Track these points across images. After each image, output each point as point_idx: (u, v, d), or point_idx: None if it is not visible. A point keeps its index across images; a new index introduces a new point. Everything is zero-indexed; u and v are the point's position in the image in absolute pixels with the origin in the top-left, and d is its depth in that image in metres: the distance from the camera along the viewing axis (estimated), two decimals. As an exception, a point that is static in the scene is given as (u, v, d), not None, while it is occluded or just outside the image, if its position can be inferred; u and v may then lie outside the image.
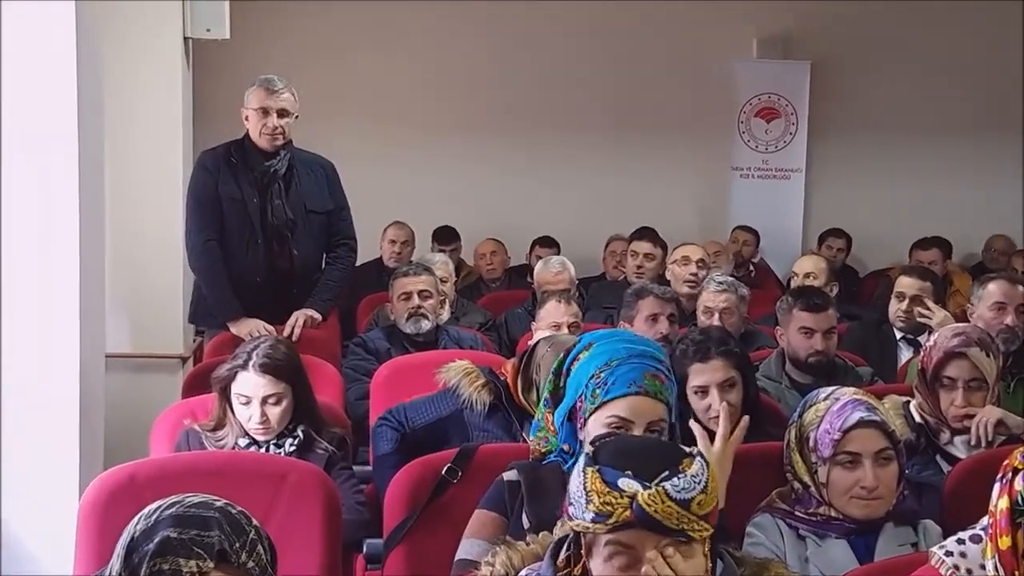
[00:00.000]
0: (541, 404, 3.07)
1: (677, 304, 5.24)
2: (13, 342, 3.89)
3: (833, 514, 3.04)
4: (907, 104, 9.51)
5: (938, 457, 3.71)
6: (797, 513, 3.08)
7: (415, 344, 5.32)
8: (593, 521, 2.08)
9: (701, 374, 3.74)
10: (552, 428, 2.97)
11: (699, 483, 2.09)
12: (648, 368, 2.82)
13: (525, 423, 3.71)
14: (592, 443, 2.32)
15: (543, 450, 2.98)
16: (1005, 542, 2.24)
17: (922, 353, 3.91)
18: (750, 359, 4.08)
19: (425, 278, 5.44)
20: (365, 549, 3.56)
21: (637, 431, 2.75)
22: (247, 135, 5.33)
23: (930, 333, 4.71)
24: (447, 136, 9.16)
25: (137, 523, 2.10)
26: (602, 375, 2.81)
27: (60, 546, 3.53)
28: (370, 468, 4.19)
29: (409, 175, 9.07)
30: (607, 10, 9.17)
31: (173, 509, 2.09)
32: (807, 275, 6.48)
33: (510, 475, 2.91)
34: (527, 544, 2.39)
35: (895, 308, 5.65)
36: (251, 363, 3.74)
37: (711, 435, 3.69)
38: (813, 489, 3.07)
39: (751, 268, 8.69)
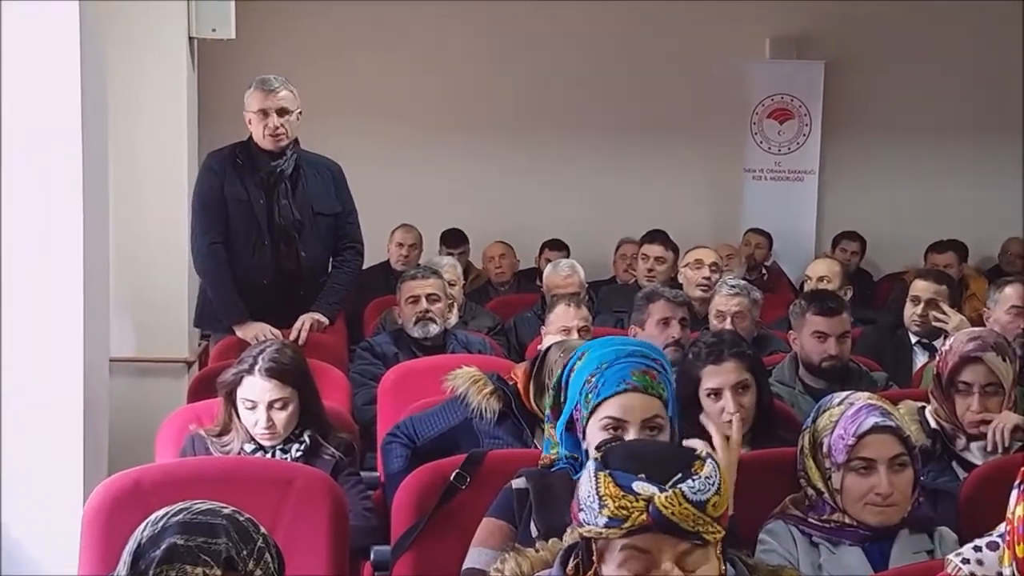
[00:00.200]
0: (546, 420, 3.06)
1: (689, 308, 5.21)
2: (17, 346, 3.90)
3: (847, 521, 3.00)
4: (923, 105, 9.48)
5: (954, 463, 3.67)
6: (810, 520, 3.05)
7: (423, 348, 5.29)
8: (607, 526, 2.04)
9: (714, 376, 3.72)
10: (557, 442, 2.96)
11: (712, 484, 2.06)
12: (637, 365, 2.80)
13: (536, 429, 3.71)
14: (598, 448, 2.29)
15: (552, 458, 2.95)
16: (1023, 549, 2.20)
17: (937, 358, 3.87)
18: (763, 363, 4.05)
19: (433, 281, 5.41)
20: (373, 556, 3.53)
21: (633, 429, 2.75)
22: (252, 137, 5.30)
23: (945, 337, 4.66)
24: (456, 138, 9.15)
25: (144, 529, 2.09)
26: (593, 379, 2.81)
27: (64, 552, 3.53)
28: (377, 474, 4.17)
29: (416, 177, 9.08)
30: (619, 9, 9.16)
31: (180, 516, 2.08)
32: (821, 278, 6.44)
33: (518, 483, 2.89)
34: (536, 551, 2.36)
35: (910, 312, 5.62)
36: (257, 367, 3.72)
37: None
38: (827, 495, 3.04)
39: (764, 271, 8.67)
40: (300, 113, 5.29)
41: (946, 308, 5.51)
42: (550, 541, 2.39)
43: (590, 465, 2.12)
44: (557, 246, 8.44)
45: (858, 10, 9.37)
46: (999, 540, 2.34)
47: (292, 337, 5.11)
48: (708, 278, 6.12)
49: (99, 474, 3.94)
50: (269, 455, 3.71)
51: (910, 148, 9.57)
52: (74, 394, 3.94)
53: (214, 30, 6.32)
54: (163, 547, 2.02)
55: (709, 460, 2.11)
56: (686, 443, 2.96)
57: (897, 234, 9.28)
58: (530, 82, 9.25)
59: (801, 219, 9.48)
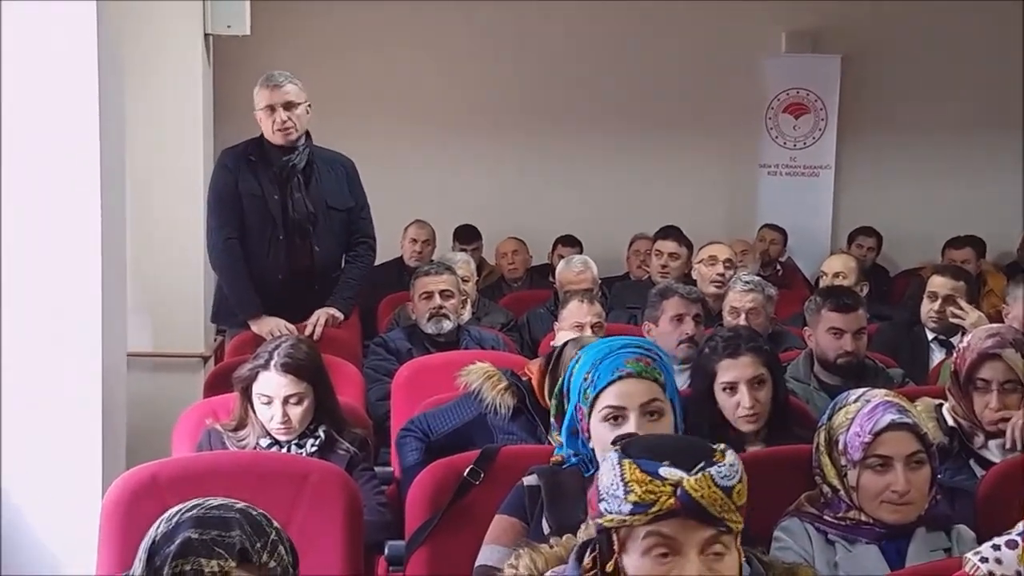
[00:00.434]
0: (551, 428, 3.08)
1: (703, 304, 5.20)
2: (35, 342, 3.89)
3: (863, 518, 2.99)
4: (940, 99, 9.44)
5: (971, 461, 3.64)
6: (826, 517, 3.04)
7: (436, 344, 5.30)
8: (632, 512, 2.04)
9: (730, 370, 3.73)
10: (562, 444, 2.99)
11: (737, 472, 2.07)
12: (630, 354, 2.84)
13: (550, 425, 3.69)
14: (614, 442, 2.29)
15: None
16: (1042, 548, 2.20)
17: (955, 355, 3.84)
18: (779, 359, 4.05)
19: (447, 277, 5.41)
20: (387, 551, 3.54)
21: (633, 415, 2.77)
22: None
23: (963, 334, 4.65)
24: (469, 134, 9.15)
25: (158, 526, 2.10)
26: (589, 376, 2.84)
27: (82, 545, 3.54)
28: (391, 469, 4.17)
29: (430, 173, 9.09)
30: (633, 4, 9.15)
31: (194, 511, 2.09)
32: (836, 274, 6.42)
33: (530, 480, 2.90)
34: (550, 547, 2.36)
35: (927, 308, 5.60)
36: (272, 363, 3.73)
37: (739, 433, 3.69)
38: (843, 493, 3.02)
39: (778, 267, 8.64)
40: (309, 106, 5.29)
41: (963, 304, 5.48)
42: (564, 537, 2.39)
43: (611, 456, 2.12)
44: (570, 242, 8.43)
45: (874, 4, 9.35)
46: (1018, 539, 2.34)
47: (307, 332, 5.12)
48: (722, 274, 6.11)
49: (117, 468, 3.94)
50: (284, 450, 3.72)
51: (927, 143, 9.54)
52: (92, 389, 3.94)
53: (229, 26, 6.34)
54: (177, 541, 2.03)
55: (730, 451, 2.12)
56: None
57: (914, 229, 9.25)
58: (544, 78, 9.24)
59: (816, 215, 9.46)
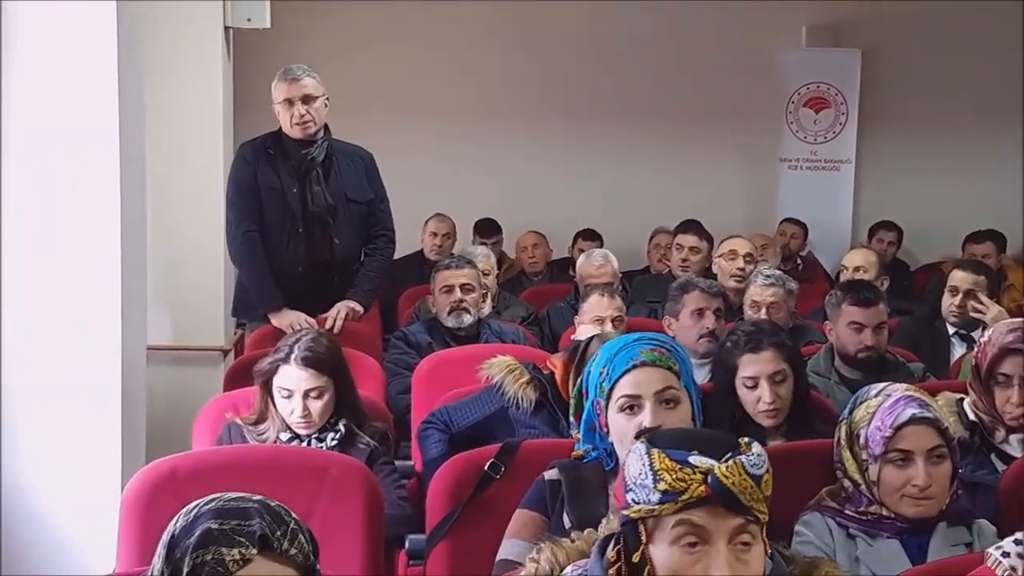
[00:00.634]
0: (571, 426, 3.08)
1: (724, 298, 5.19)
2: (56, 335, 3.91)
3: (884, 513, 2.98)
4: (961, 93, 9.39)
5: (992, 456, 3.63)
6: (847, 512, 3.03)
7: (456, 338, 5.29)
8: (661, 501, 2.03)
9: (752, 365, 3.72)
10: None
11: (764, 461, 2.07)
12: (643, 344, 2.87)
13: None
14: (637, 436, 2.29)
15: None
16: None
17: (976, 349, 3.83)
18: (801, 354, 4.03)
19: (467, 271, 5.40)
20: (407, 545, 3.54)
21: (648, 403, 2.80)
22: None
23: (984, 328, 4.63)
24: (489, 128, 9.14)
25: (177, 521, 2.09)
26: (604, 369, 2.87)
27: (103, 538, 3.56)
28: (411, 463, 4.17)
29: (450, 167, 9.08)
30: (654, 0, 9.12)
31: (213, 504, 2.09)
32: (857, 269, 6.39)
33: (551, 474, 2.90)
34: (572, 541, 2.36)
35: (948, 303, 5.59)
36: (293, 356, 3.73)
37: (759, 427, 3.68)
38: (864, 487, 3.02)
39: (799, 262, 8.62)
40: (327, 99, 5.29)
41: (984, 299, 5.47)
42: (585, 532, 2.39)
43: (638, 446, 2.11)
44: (590, 236, 8.40)
45: (896, -2, 9.32)
46: (1041, 533, 2.33)
47: (328, 325, 5.12)
48: (742, 269, 6.09)
49: (137, 461, 3.96)
50: (305, 444, 3.72)
51: (948, 137, 9.49)
52: (112, 382, 3.96)
53: (249, 20, 6.35)
54: (197, 533, 2.02)
55: (755, 443, 2.12)
56: None
57: (934, 224, 9.22)
58: (565, 73, 9.22)
59: (837, 209, 9.43)
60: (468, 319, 5.31)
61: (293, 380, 3.72)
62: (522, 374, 3.93)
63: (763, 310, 5.29)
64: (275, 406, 3.77)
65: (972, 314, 5.46)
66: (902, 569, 2.85)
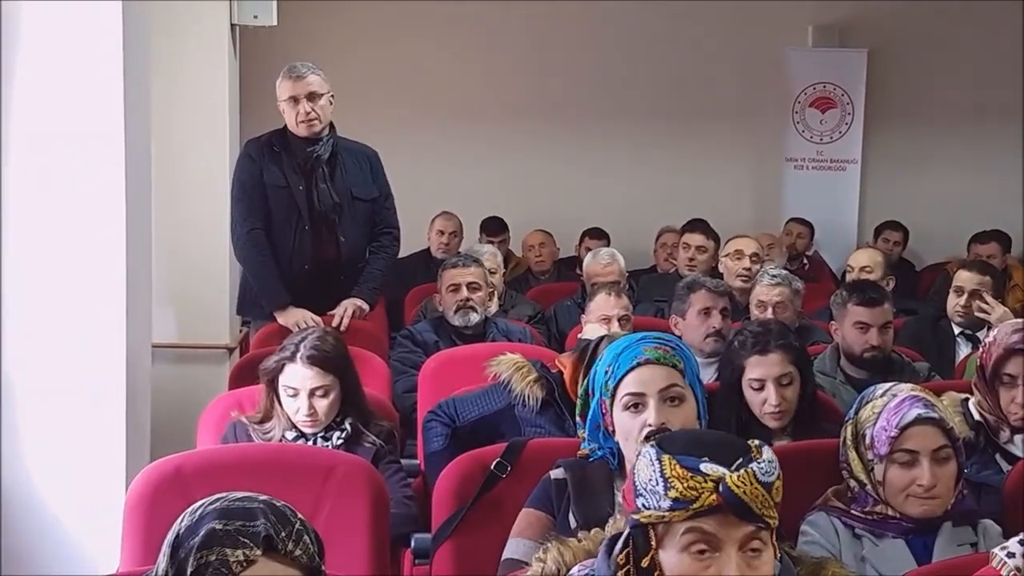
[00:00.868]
0: (577, 427, 3.08)
1: (730, 298, 5.19)
2: (60, 333, 3.91)
3: (890, 513, 2.98)
4: (967, 93, 9.41)
5: (997, 456, 3.63)
6: (853, 512, 3.03)
7: (463, 337, 5.29)
8: (672, 508, 2.02)
9: (759, 367, 3.72)
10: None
11: (775, 468, 2.06)
12: (648, 343, 2.87)
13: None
14: (648, 438, 2.29)
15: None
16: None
17: (981, 349, 3.83)
18: (808, 354, 4.03)
19: (474, 270, 5.40)
20: (413, 544, 3.53)
21: (652, 401, 2.79)
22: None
23: (989, 328, 4.63)
24: (496, 126, 9.15)
25: (182, 520, 2.09)
26: (609, 369, 2.87)
27: (107, 537, 3.55)
28: (417, 462, 4.18)
29: (457, 165, 9.09)
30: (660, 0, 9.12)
31: (217, 504, 2.09)
32: (863, 268, 6.38)
33: (557, 473, 2.90)
34: (578, 541, 2.36)
35: (953, 303, 5.58)
36: (299, 355, 3.73)
37: (765, 427, 3.68)
38: (869, 487, 3.02)
39: (805, 261, 8.63)
40: (332, 96, 5.29)
41: (989, 299, 5.47)
42: (592, 531, 2.39)
43: (648, 451, 2.10)
44: (597, 234, 8.41)
45: (902, -2, 9.31)
46: (1045, 533, 2.32)
47: (335, 324, 5.12)
48: (748, 269, 6.10)
49: (141, 460, 3.95)
50: (310, 442, 3.72)
51: (953, 137, 9.50)
52: (116, 380, 3.95)
53: (256, 17, 6.36)
54: (201, 533, 2.01)
55: (766, 447, 2.11)
56: None
57: (940, 224, 9.20)
58: (571, 72, 9.23)
59: (843, 208, 9.43)
60: (475, 318, 5.31)
61: (299, 378, 3.72)
62: (529, 372, 3.93)
63: (769, 309, 5.30)
64: (281, 405, 3.76)
65: (977, 314, 5.46)
66: (908, 569, 2.84)
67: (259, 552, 2.01)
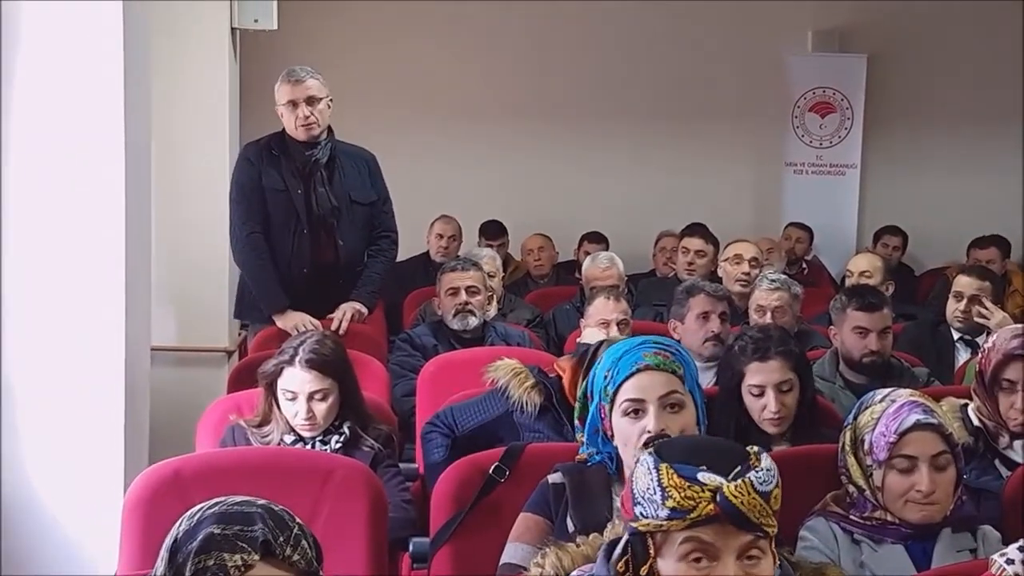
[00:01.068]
0: (576, 430, 3.08)
1: (729, 302, 5.19)
2: (59, 335, 3.91)
3: (889, 518, 2.98)
4: (966, 98, 9.41)
5: (997, 461, 3.62)
6: (852, 517, 3.02)
7: (462, 340, 5.29)
8: (669, 518, 2.02)
9: (758, 373, 3.72)
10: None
11: (773, 476, 2.06)
12: (648, 348, 2.86)
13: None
14: (646, 445, 2.29)
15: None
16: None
17: (980, 355, 3.82)
18: (808, 360, 4.03)
19: (473, 274, 5.40)
20: (411, 548, 3.53)
21: (652, 407, 2.78)
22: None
23: (988, 334, 4.63)
24: (496, 129, 9.15)
25: (180, 524, 2.09)
26: (609, 373, 2.86)
27: (106, 540, 3.55)
28: (416, 465, 4.17)
29: (456, 169, 9.09)
30: (660, 3, 9.13)
31: (216, 508, 2.09)
32: (862, 273, 6.38)
33: (555, 478, 2.90)
34: (576, 545, 2.36)
35: (953, 308, 5.59)
36: (297, 358, 3.73)
37: (765, 432, 3.68)
38: (868, 493, 3.01)
39: (804, 266, 8.62)
40: (331, 100, 5.29)
41: (989, 304, 5.48)
42: (591, 536, 2.38)
43: (646, 459, 2.10)
44: (596, 239, 8.42)
45: (901, 4, 9.32)
46: (1044, 540, 2.32)
47: (334, 327, 5.12)
48: (747, 273, 6.11)
49: (140, 463, 3.96)
50: (309, 446, 3.72)
51: (953, 142, 9.51)
52: (116, 383, 3.95)
53: (256, 20, 6.36)
54: (199, 538, 2.02)
55: (765, 454, 2.11)
56: None
57: (939, 229, 9.21)
58: (570, 75, 9.23)
59: (842, 213, 9.44)
60: (473, 321, 5.31)
61: (297, 382, 3.71)
62: (527, 378, 3.92)
63: (768, 314, 5.30)
64: (279, 408, 3.76)
65: (977, 319, 5.47)
66: (907, 575, 2.85)
67: (257, 557, 2.01)
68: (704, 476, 2.02)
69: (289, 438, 3.74)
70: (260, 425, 3.78)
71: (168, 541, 2.08)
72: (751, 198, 9.52)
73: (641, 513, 2.06)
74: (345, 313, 5.26)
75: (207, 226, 6.08)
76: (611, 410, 2.84)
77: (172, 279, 6.04)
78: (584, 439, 2.97)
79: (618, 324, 5.00)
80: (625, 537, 2.13)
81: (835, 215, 9.39)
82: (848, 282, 6.45)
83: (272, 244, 5.26)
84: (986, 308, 5.45)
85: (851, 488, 3.05)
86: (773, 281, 5.45)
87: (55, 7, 3.83)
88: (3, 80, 3.82)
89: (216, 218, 5.91)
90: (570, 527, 2.75)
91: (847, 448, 3.08)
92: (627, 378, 2.82)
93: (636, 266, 7.93)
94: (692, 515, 2.00)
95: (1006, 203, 9.18)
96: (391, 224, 5.59)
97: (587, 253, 7.47)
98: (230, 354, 6.38)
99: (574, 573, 2.27)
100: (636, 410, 2.79)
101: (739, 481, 2.01)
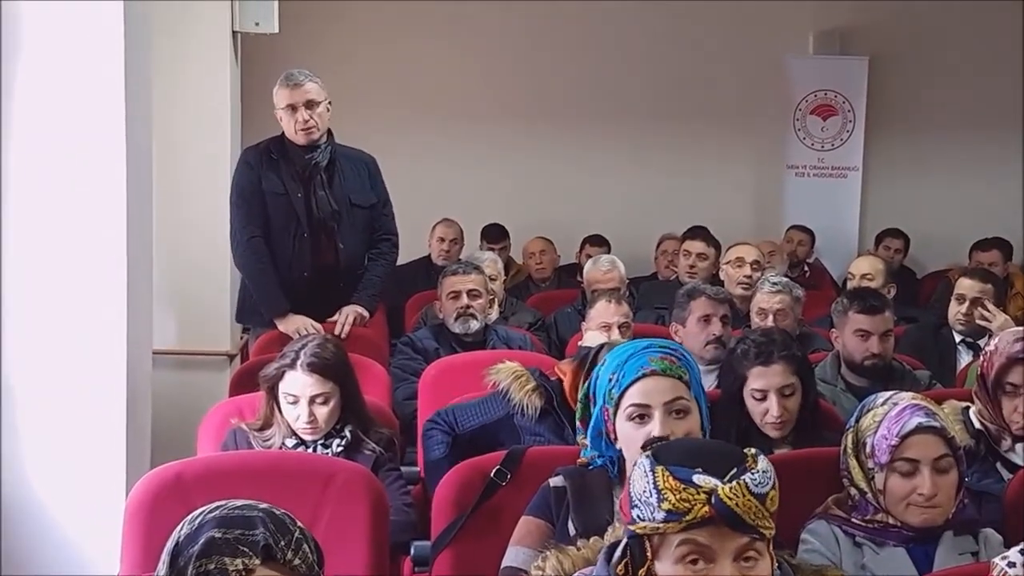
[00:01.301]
0: (577, 432, 3.07)
1: (730, 305, 5.19)
2: (60, 339, 3.91)
3: (891, 521, 2.97)
4: (968, 101, 9.41)
5: (998, 464, 3.62)
6: (854, 520, 3.02)
7: (463, 344, 5.29)
8: (666, 520, 2.03)
9: (761, 377, 3.73)
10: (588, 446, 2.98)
11: (770, 478, 2.07)
12: (654, 353, 2.84)
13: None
14: (644, 447, 2.29)
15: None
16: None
17: (982, 358, 3.81)
18: (810, 363, 4.03)
19: (474, 277, 5.40)
20: (413, 551, 3.53)
21: (657, 413, 2.77)
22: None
23: (990, 337, 4.63)
24: (497, 132, 9.15)
25: (181, 528, 2.10)
26: (614, 376, 2.85)
27: (107, 543, 3.55)
28: (417, 469, 4.17)
29: (458, 172, 9.09)
30: (662, 3, 9.14)
31: (217, 512, 2.09)
32: (863, 276, 6.39)
33: (556, 481, 2.90)
34: (577, 549, 2.36)
35: (955, 311, 5.59)
36: (299, 362, 3.73)
37: (764, 438, 3.67)
38: (870, 496, 3.01)
39: (806, 269, 8.62)
40: (329, 103, 5.28)
41: (991, 307, 5.48)
42: (591, 539, 2.39)
43: (643, 461, 2.11)
44: (598, 242, 8.41)
45: (903, 5, 9.31)
46: (1045, 543, 2.32)
47: (336, 331, 5.11)
48: (749, 276, 6.10)
49: (141, 466, 3.96)
50: (310, 450, 3.72)
51: (955, 145, 9.50)
52: (117, 386, 3.95)
53: (257, 24, 6.36)
54: (201, 541, 2.02)
55: (761, 456, 2.11)
56: None
57: (941, 231, 9.21)
58: (572, 77, 9.24)
59: (844, 216, 9.44)
60: (475, 325, 5.31)
61: (299, 386, 3.71)
62: (528, 381, 3.93)
63: (770, 317, 5.30)
64: (281, 412, 3.76)
65: (979, 322, 5.47)
66: (909, 578, 2.85)
67: (258, 561, 2.02)
68: (699, 478, 2.02)
69: (291, 442, 3.74)
70: (261, 429, 3.78)
71: (169, 545, 2.08)
72: (752, 201, 9.52)
73: (638, 516, 2.07)
74: (347, 317, 5.25)
75: (209, 230, 6.08)
76: (615, 414, 2.83)
77: (174, 282, 6.04)
78: (587, 442, 2.97)
79: (619, 327, 5.00)
80: (624, 540, 2.13)
81: (837, 218, 9.39)
82: (850, 285, 6.45)
83: (272, 248, 5.25)
84: (988, 311, 5.45)
85: (853, 491, 3.05)
86: (775, 284, 5.45)
87: (56, 9, 3.83)
88: (4, 83, 3.82)
89: (218, 222, 5.90)
90: (571, 530, 2.74)
91: (849, 451, 3.07)
92: (632, 383, 2.80)
93: (638, 269, 7.93)
94: (688, 517, 2.01)
95: (1008, 205, 9.18)
96: (391, 227, 5.58)
97: (588, 256, 7.47)
98: (232, 358, 6.38)
99: (575, 576, 2.27)
100: (641, 415, 2.79)
101: (734, 483, 2.01)
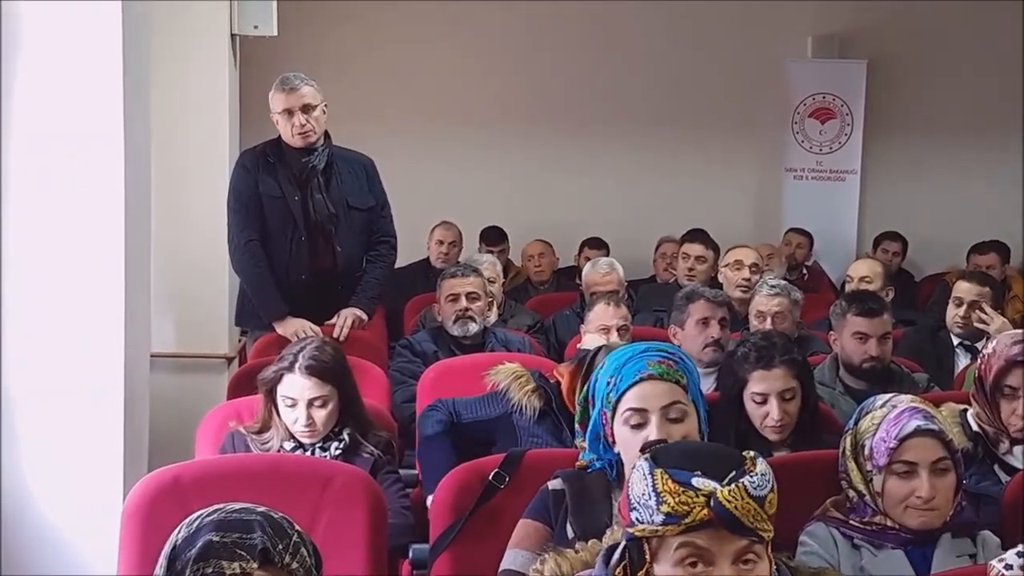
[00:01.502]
0: (576, 435, 3.07)
1: (729, 308, 5.19)
2: (58, 341, 3.90)
3: (889, 523, 2.97)
4: (966, 104, 9.43)
5: (996, 467, 3.62)
6: (852, 522, 3.02)
7: (462, 347, 5.29)
8: (664, 523, 2.03)
9: (762, 381, 3.73)
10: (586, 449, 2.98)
11: (768, 481, 2.07)
12: (652, 357, 2.84)
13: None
14: (643, 450, 2.29)
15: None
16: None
17: (980, 361, 3.81)
18: (810, 367, 4.03)
19: (473, 280, 5.40)
20: (411, 554, 3.54)
21: (655, 417, 2.77)
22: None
23: (988, 340, 4.63)
24: (496, 135, 9.16)
25: (179, 531, 2.09)
26: (612, 380, 2.85)
27: (104, 547, 3.55)
28: (416, 472, 4.16)
29: (456, 175, 9.10)
30: (662, 7, 9.16)
31: (215, 515, 2.09)
32: (862, 279, 6.37)
33: (555, 484, 2.90)
34: (576, 551, 2.36)
35: (953, 313, 5.59)
36: (297, 365, 3.72)
37: (763, 441, 3.68)
38: (869, 498, 3.01)
39: (804, 271, 8.63)
40: (326, 106, 5.27)
41: (988, 310, 5.48)
42: (590, 542, 2.39)
43: (642, 464, 2.11)
44: (597, 244, 8.41)
45: (901, 9, 9.33)
46: (1043, 545, 2.32)
47: (335, 334, 5.11)
48: (748, 279, 6.10)
49: (139, 469, 3.95)
50: (309, 453, 3.71)
51: (952, 148, 9.51)
52: (115, 389, 3.94)
53: (256, 27, 6.36)
54: (199, 545, 2.02)
55: (760, 459, 2.11)
56: None
57: (939, 234, 9.22)
58: (571, 81, 9.25)
59: (842, 219, 9.45)
60: (474, 328, 5.31)
61: (297, 389, 3.71)
62: (528, 382, 3.93)
63: (768, 320, 5.30)
64: (279, 415, 3.75)
65: (977, 325, 5.47)
66: (907, 580, 2.85)
67: (255, 565, 2.01)
68: (698, 481, 2.02)
69: (289, 445, 3.73)
70: (260, 432, 3.78)
71: (167, 548, 2.08)
72: (751, 204, 9.53)
73: (637, 518, 2.07)
74: (345, 319, 5.25)
75: (207, 232, 6.07)
76: (613, 417, 2.83)
77: (172, 285, 6.04)
78: (585, 444, 2.97)
79: (618, 330, 5.00)
80: (623, 543, 2.14)
81: (835, 221, 9.41)
82: (848, 288, 6.44)
83: (270, 251, 5.25)
84: (986, 314, 5.46)
85: (851, 493, 3.05)
86: (773, 287, 5.46)
87: (55, 9, 3.83)
88: (3, 83, 3.82)
89: (216, 224, 5.90)
90: (570, 533, 2.75)
91: (847, 453, 3.08)
92: (630, 386, 2.81)
93: (636, 272, 7.93)
94: (687, 520, 2.01)
95: (1006, 208, 9.19)
96: (390, 229, 5.58)
97: (587, 259, 7.46)
98: (230, 360, 6.38)
99: (573, 578, 2.27)
100: (639, 419, 2.79)
101: (733, 486, 2.01)
